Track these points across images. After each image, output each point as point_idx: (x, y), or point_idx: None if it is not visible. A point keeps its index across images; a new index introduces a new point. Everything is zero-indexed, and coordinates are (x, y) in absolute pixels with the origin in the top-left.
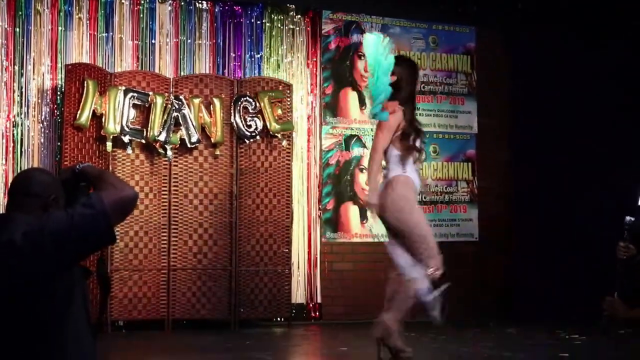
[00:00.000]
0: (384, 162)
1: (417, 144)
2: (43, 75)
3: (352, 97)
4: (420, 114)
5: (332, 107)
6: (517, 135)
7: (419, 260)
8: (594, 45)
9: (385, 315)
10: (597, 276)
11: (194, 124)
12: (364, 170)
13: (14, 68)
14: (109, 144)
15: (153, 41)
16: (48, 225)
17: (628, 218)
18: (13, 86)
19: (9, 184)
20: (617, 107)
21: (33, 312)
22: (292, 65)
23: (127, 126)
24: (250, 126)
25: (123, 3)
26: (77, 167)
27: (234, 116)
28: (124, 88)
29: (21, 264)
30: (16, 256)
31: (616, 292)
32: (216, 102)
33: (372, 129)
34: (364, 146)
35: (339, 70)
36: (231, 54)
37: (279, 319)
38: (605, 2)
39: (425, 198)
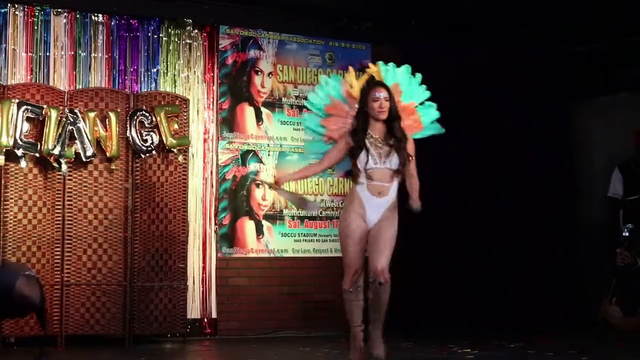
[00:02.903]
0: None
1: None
2: None
3: (249, 112)
4: None
5: (228, 122)
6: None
7: None
8: (491, 53)
9: None
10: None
11: (89, 137)
12: (260, 185)
13: None
14: (1, 158)
15: (48, 54)
16: None
17: (629, 225)
18: None
19: None
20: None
21: None
22: (189, 80)
23: (21, 139)
24: (146, 141)
25: (17, 14)
26: None
27: (130, 130)
28: (17, 101)
29: None
30: None
31: (614, 298)
32: (112, 116)
33: (268, 144)
34: (260, 161)
35: (236, 86)
36: (127, 67)
37: (174, 334)
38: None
39: (321, 214)
